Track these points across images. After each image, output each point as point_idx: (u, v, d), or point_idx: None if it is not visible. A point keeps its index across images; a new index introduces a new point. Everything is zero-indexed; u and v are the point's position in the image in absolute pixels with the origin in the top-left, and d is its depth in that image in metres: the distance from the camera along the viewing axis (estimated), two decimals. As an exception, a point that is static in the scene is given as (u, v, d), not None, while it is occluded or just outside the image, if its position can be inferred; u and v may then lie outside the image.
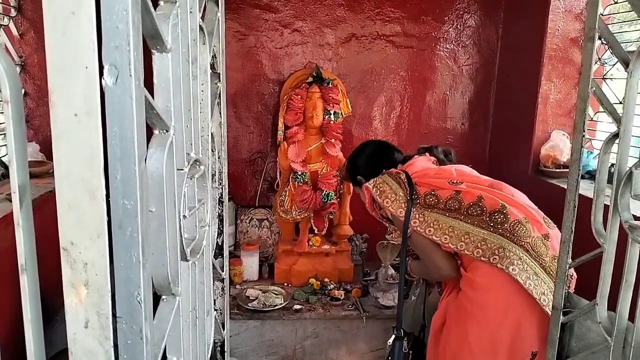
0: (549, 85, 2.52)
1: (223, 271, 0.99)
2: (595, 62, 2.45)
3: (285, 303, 2.47)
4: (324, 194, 2.62)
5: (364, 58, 2.89)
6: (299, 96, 2.58)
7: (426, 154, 1.87)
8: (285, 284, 2.68)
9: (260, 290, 2.57)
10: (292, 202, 2.65)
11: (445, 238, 1.55)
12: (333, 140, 2.63)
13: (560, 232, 1.13)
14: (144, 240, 0.52)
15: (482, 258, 1.49)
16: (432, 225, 1.57)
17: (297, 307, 2.46)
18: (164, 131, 0.63)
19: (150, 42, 0.60)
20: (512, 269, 1.45)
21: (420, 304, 1.94)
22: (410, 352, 1.70)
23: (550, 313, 1.40)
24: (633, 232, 0.92)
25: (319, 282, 2.64)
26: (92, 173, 0.46)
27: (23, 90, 2.16)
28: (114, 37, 0.47)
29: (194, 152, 0.75)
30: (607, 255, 0.99)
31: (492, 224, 1.52)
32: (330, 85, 2.60)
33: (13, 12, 2.10)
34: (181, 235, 0.68)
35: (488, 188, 1.63)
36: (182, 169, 0.69)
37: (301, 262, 2.72)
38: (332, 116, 2.60)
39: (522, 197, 1.67)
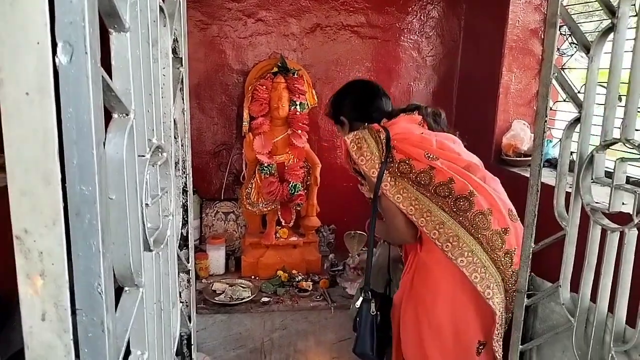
0: (510, 76, 2.57)
1: (189, 262, 0.97)
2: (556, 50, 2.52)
3: (253, 296, 2.45)
4: (291, 186, 2.60)
5: (329, 48, 2.87)
6: (264, 87, 2.55)
7: (415, 112, 1.82)
8: (253, 277, 2.66)
9: (227, 284, 2.54)
10: (259, 194, 2.63)
11: (411, 209, 1.59)
12: (299, 131, 2.61)
13: (523, 220, 1.16)
14: (103, 228, 0.50)
15: (436, 242, 1.54)
16: (401, 192, 1.60)
17: (265, 299, 2.44)
18: (124, 115, 0.60)
19: (108, 21, 0.57)
20: (461, 261, 1.51)
21: (384, 260, 1.96)
22: (378, 313, 1.71)
23: (493, 306, 1.49)
24: (594, 214, 0.95)
25: (286, 274, 2.63)
26: (46, 156, 0.44)
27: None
28: (68, 12, 0.44)
29: (156, 138, 0.72)
30: (569, 237, 1.02)
31: (454, 209, 1.56)
32: (295, 76, 2.58)
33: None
34: (144, 224, 0.65)
35: (462, 169, 1.63)
36: (143, 155, 0.66)
37: (268, 254, 2.70)
38: (298, 107, 2.58)
39: (493, 183, 1.70)
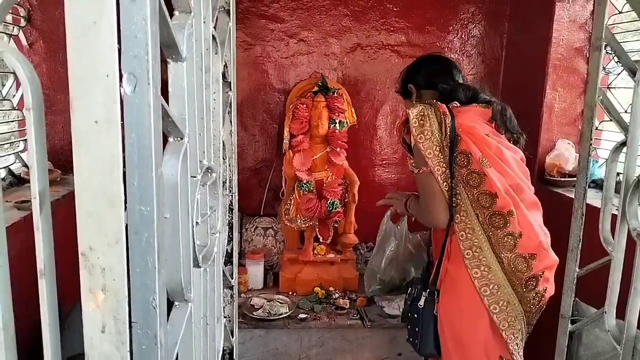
0: (554, 95, 2.53)
1: (232, 278, 1.00)
2: (601, 70, 2.47)
3: (290, 312, 2.46)
4: (329, 203, 2.62)
5: (369, 67, 2.90)
6: (305, 105, 2.59)
7: (488, 107, 1.71)
8: (290, 293, 2.68)
9: (265, 299, 2.57)
10: (297, 211, 2.66)
11: (453, 200, 1.57)
12: (338, 149, 2.64)
13: (567, 243, 1.14)
14: (159, 246, 0.53)
15: (461, 245, 1.55)
16: (448, 180, 1.57)
17: (302, 316, 2.45)
18: (179, 139, 0.63)
19: (166, 51, 0.61)
20: (475, 272, 1.52)
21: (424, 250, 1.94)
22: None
23: (497, 321, 1.50)
24: (641, 240, 0.93)
25: (323, 291, 2.64)
26: (111, 180, 0.47)
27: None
28: (133, 46, 0.48)
29: (207, 160, 0.75)
30: (615, 262, 0.99)
31: (488, 223, 1.54)
32: (335, 95, 2.61)
33: (22, 22, 2.12)
34: (194, 242, 0.69)
35: (507, 186, 1.58)
36: (195, 177, 0.70)
37: (306, 270, 2.72)
38: (337, 125, 2.62)
39: (534, 210, 1.62)
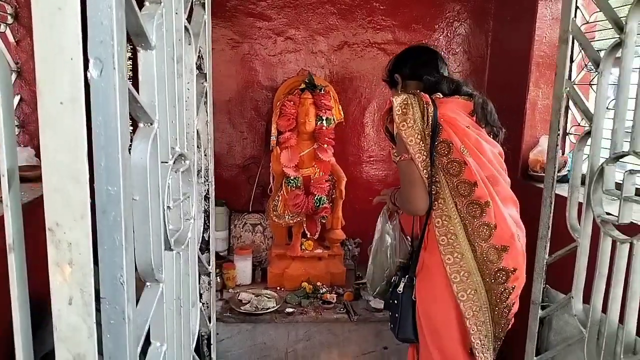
0: (537, 91, 2.57)
1: (209, 265, 1.02)
2: (583, 69, 2.51)
3: (278, 306, 2.49)
4: (317, 199, 2.65)
5: (356, 65, 2.93)
6: (292, 102, 2.62)
7: (470, 100, 1.74)
8: (278, 288, 2.71)
9: (253, 294, 2.59)
10: (285, 207, 2.68)
11: (432, 188, 1.60)
12: (325, 145, 2.66)
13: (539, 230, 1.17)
14: (127, 225, 0.55)
15: (437, 232, 1.59)
16: (428, 168, 1.60)
17: (289, 310, 2.48)
18: (148, 124, 0.66)
19: (135, 40, 0.64)
20: (448, 258, 1.57)
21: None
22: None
23: (464, 309, 1.55)
24: (605, 226, 0.96)
25: (311, 286, 2.67)
26: (76, 158, 0.50)
27: (19, 96, 2.19)
28: (99, 32, 0.50)
29: (179, 147, 0.78)
30: (581, 249, 1.02)
31: (465, 211, 1.58)
32: (322, 92, 2.64)
33: (10, 20, 2.13)
34: (165, 225, 0.71)
35: (484, 177, 1.62)
36: (166, 162, 0.72)
37: (294, 266, 2.74)
38: (324, 122, 2.64)
39: (511, 204, 1.66)
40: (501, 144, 1.75)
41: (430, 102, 1.64)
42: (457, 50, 2.98)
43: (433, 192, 1.62)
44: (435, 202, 1.61)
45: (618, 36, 0.89)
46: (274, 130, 2.70)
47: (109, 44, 0.51)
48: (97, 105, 0.51)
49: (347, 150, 3.00)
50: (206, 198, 0.99)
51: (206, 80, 0.93)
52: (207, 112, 0.96)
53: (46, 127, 0.49)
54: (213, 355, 1.04)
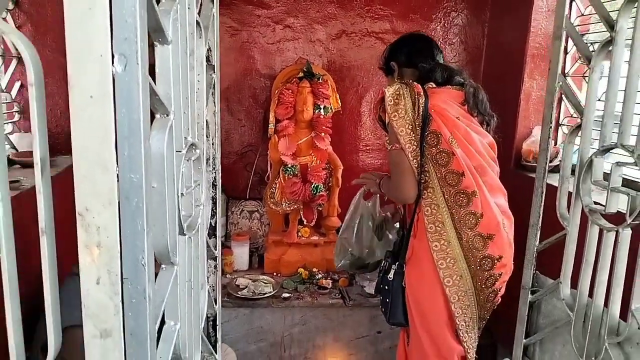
0: (531, 83, 2.61)
1: (216, 250, 1.07)
2: (577, 61, 2.56)
3: (274, 292, 2.54)
4: (313, 186, 2.69)
5: (354, 54, 2.96)
6: (290, 91, 2.65)
7: (462, 89, 1.78)
8: (275, 274, 2.76)
9: (250, 279, 2.65)
10: (282, 194, 2.73)
11: (422, 177, 1.66)
12: (323, 134, 2.70)
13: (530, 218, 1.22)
14: (148, 210, 0.59)
15: (425, 220, 1.65)
16: (417, 157, 1.65)
17: (286, 295, 2.54)
18: (165, 115, 0.70)
19: (154, 35, 0.67)
20: (435, 245, 1.63)
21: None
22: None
23: (449, 294, 1.63)
24: (592, 215, 1.01)
25: (307, 272, 2.72)
26: (104, 148, 0.53)
27: (19, 82, 2.21)
28: (124, 29, 0.54)
29: (191, 137, 0.82)
30: (570, 236, 1.07)
31: (452, 200, 1.64)
32: (320, 81, 2.67)
33: (10, 5, 2.14)
34: (179, 211, 0.75)
35: (472, 166, 1.66)
36: (180, 151, 0.76)
37: (290, 252, 2.80)
38: (322, 110, 2.68)
39: (498, 194, 1.71)
40: (493, 131, 1.80)
41: (422, 93, 1.68)
42: (453, 41, 3.02)
43: (422, 182, 1.67)
44: (425, 191, 1.67)
45: (609, 34, 0.93)
46: (272, 118, 2.73)
47: (133, 41, 0.55)
48: (122, 98, 0.55)
49: (344, 138, 3.04)
50: (213, 185, 1.02)
51: (214, 72, 0.97)
52: (214, 102, 0.99)
53: (77, 119, 0.52)
54: (218, 336, 1.09)
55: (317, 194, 2.71)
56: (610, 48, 0.94)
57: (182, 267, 0.79)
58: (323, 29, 2.92)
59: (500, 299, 1.67)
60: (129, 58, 0.54)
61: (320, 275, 2.72)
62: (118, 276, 0.57)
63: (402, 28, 2.95)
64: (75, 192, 0.54)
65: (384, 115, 1.75)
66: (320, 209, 2.81)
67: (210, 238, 1.04)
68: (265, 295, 2.51)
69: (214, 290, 1.09)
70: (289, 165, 2.68)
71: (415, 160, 1.64)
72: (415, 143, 1.64)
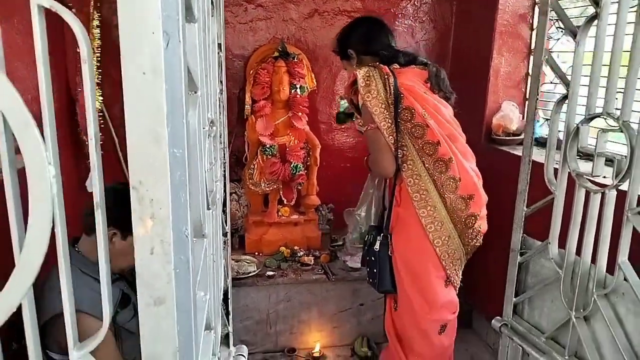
0: (500, 59, 2.70)
1: (226, 225, 1.09)
2: (552, 26, 2.66)
3: (258, 270, 2.58)
4: (293, 166, 2.72)
5: (327, 33, 2.97)
6: (266, 70, 2.65)
7: (425, 69, 1.91)
8: (257, 253, 2.79)
9: (234, 259, 2.67)
10: (261, 175, 2.74)
11: (400, 152, 1.76)
12: (300, 113, 2.72)
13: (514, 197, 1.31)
14: (190, 184, 0.62)
15: (409, 190, 1.76)
16: (393, 134, 1.75)
17: (270, 273, 2.58)
18: (194, 92, 0.72)
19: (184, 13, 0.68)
20: (422, 212, 1.76)
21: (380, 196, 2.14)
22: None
23: (440, 253, 1.77)
24: (579, 179, 1.09)
25: (289, 250, 2.77)
26: (157, 123, 0.55)
27: None
28: (166, 7, 0.56)
29: (210, 114, 0.84)
30: (558, 199, 1.15)
31: (432, 168, 1.75)
32: (295, 60, 2.68)
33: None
34: (206, 186, 0.78)
35: (445, 136, 1.79)
36: (205, 128, 0.78)
37: (271, 232, 2.83)
38: (298, 90, 2.70)
39: (470, 159, 1.88)
40: (452, 107, 1.95)
41: (390, 73, 1.79)
42: (423, 19, 3.07)
43: (400, 156, 1.77)
44: (404, 164, 1.77)
45: (595, 9, 1.00)
46: (248, 99, 2.73)
47: (175, 19, 0.57)
48: (165, 75, 0.57)
49: (320, 118, 3.07)
50: (222, 163, 1.04)
51: (221, 51, 0.98)
52: (221, 81, 1.01)
53: (130, 95, 0.54)
54: (230, 309, 1.12)
55: (297, 173, 2.74)
56: (595, 23, 1.02)
57: (209, 240, 0.82)
58: (295, 8, 2.91)
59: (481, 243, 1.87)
60: (171, 35, 0.56)
61: (302, 253, 2.76)
62: (171, 246, 0.59)
63: (374, 6, 2.98)
64: (129, 165, 0.56)
65: (355, 98, 1.85)
66: (300, 188, 2.85)
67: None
68: (250, 275, 2.54)
69: (226, 264, 1.12)
70: (268, 146, 2.69)
71: (391, 137, 1.75)
72: (390, 120, 1.74)
